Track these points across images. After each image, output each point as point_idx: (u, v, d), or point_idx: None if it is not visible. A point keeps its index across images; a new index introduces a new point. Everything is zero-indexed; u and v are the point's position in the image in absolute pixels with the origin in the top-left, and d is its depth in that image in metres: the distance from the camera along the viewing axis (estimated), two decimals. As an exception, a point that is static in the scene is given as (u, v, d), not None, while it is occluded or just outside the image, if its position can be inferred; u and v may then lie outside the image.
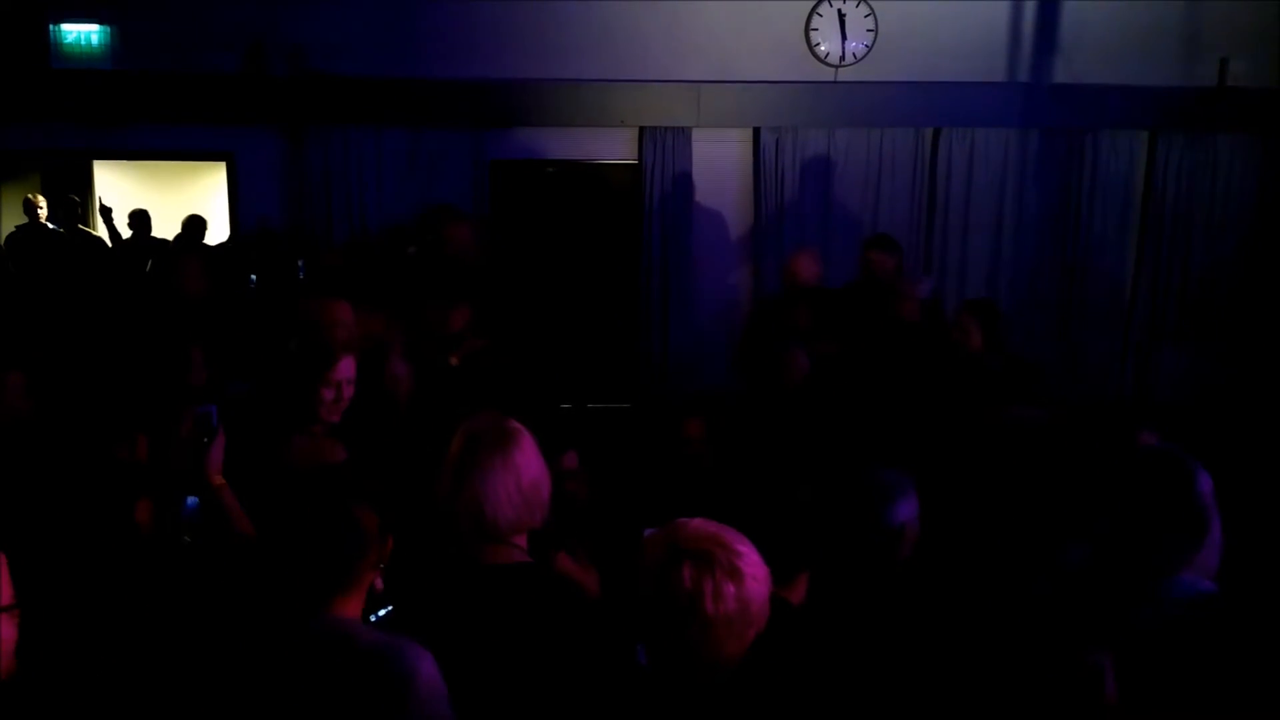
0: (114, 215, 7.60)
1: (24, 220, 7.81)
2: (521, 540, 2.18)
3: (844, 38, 6.97)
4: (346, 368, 2.92)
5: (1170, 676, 1.54)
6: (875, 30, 6.95)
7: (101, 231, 8.12)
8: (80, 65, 6.77)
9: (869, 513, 2.39)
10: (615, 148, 7.12)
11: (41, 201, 7.76)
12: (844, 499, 2.40)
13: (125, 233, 7.96)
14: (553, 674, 2.00)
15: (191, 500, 2.39)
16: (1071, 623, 2.10)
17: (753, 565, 1.63)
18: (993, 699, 1.96)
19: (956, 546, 2.97)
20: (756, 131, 7.09)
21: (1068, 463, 3.44)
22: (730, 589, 1.59)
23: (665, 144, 7.01)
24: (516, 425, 2.25)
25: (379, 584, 2.00)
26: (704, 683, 1.63)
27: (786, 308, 4.98)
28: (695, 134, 7.04)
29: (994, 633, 2.21)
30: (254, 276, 4.35)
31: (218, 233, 8.04)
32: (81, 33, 6.78)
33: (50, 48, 6.76)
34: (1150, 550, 2.16)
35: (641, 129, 7.02)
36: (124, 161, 8.91)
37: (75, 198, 7.60)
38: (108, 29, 6.80)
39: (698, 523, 1.69)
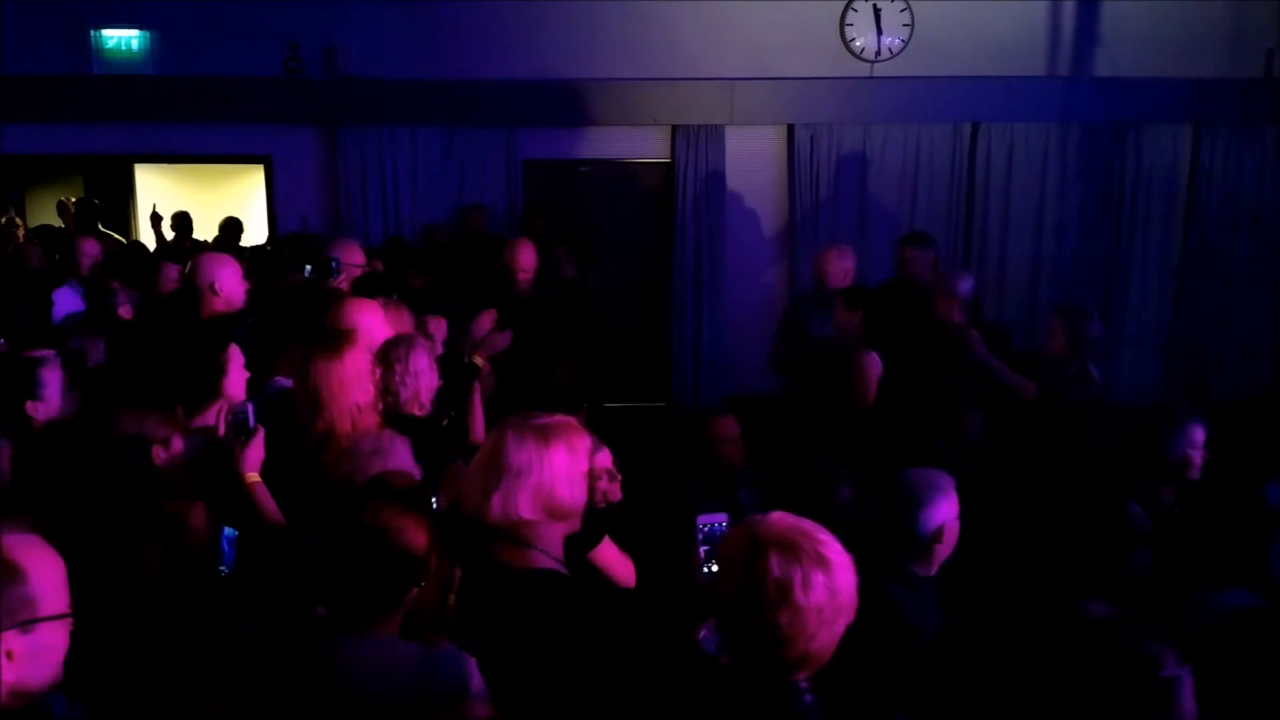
0: (140, 216, 7.68)
1: (56, 224, 7.88)
2: (548, 543, 2.13)
3: (880, 33, 6.90)
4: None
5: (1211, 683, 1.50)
6: (911, 25, 6.87)
7: (145, 235, 8.22)
8: (121, 70, 6.88)
9: (901, 517, 2.36)
10: (648, 146, 7.11)
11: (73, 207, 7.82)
12: (880, 502, 2.37)
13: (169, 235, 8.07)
14: (565, 680, 1.98)
15: (230, 532, 2.37)
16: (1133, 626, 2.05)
17: (838, 554, 1.62)
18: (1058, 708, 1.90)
19: (1010, 547, 2.93)
20: (791, 128, 7.04)
21: (1124, 461, 3.38)
22: (819, 577, 1.57)
23: (698, 142, 6.98)
24: (551, 426, 2.17)
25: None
26: (793, 680, 1.61)
27: (826, 307, 4.87)
28: (729, 131, 7.00)
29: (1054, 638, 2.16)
30: (309, 267, 4.39)
31: (256, 234, 8.13)
32: (122, 38, 6.89)
33: (92, 54, 6.88)
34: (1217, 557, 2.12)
35: (674, 127, 7.00)
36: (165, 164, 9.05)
37: (96, 201, 7.64)
38: (147, 34, 6.90)
39: (777, 515, 1.68)
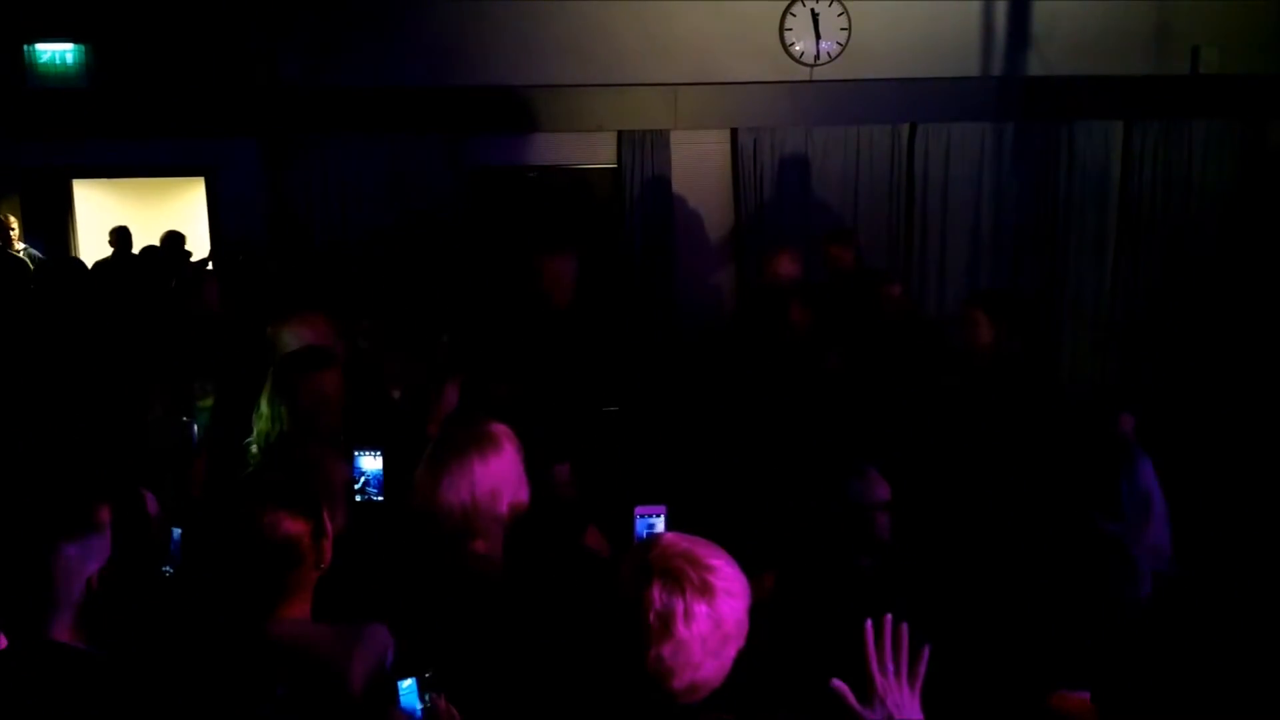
0: (79, 232, 7.48)
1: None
2: (482, 546, 2.17)
3: (818, 37, 7.00)
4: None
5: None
6: (848, 29, 6.99)
7: (85, 251, 8.06)
8: (56, 85, 6.77)
9: (826, 488, 2.42)
10: (595, 152, 7.14)
11: (14, 223, 7.65)
12: (809, 482, 2.44)
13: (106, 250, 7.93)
14: (498, 677, 2.02)
15: (176, 531, 2.39)
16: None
17: (727, 579, 1.59)
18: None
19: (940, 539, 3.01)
20: (734, 132, 7.12)
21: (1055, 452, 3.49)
22: (702, 608, 1.55)
23: (644, 147, 7.03)
24: (494, 431, 2.24)
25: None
26: (689, 703, 1.59)
27: (779, 306, 4.94)
28: (673, 136, 7.07)
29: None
30: None
31: (199, 247, 8.03)
32: (56, 52, 6.78)
33: (25, 68, 6.76)
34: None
35: (620, 132, 7.04)
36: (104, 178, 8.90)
37: (4, 218, 7.48)
38: (82, 48, 6.80)
39: (670, 538, 1.66)
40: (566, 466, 3.74)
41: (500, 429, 2.26)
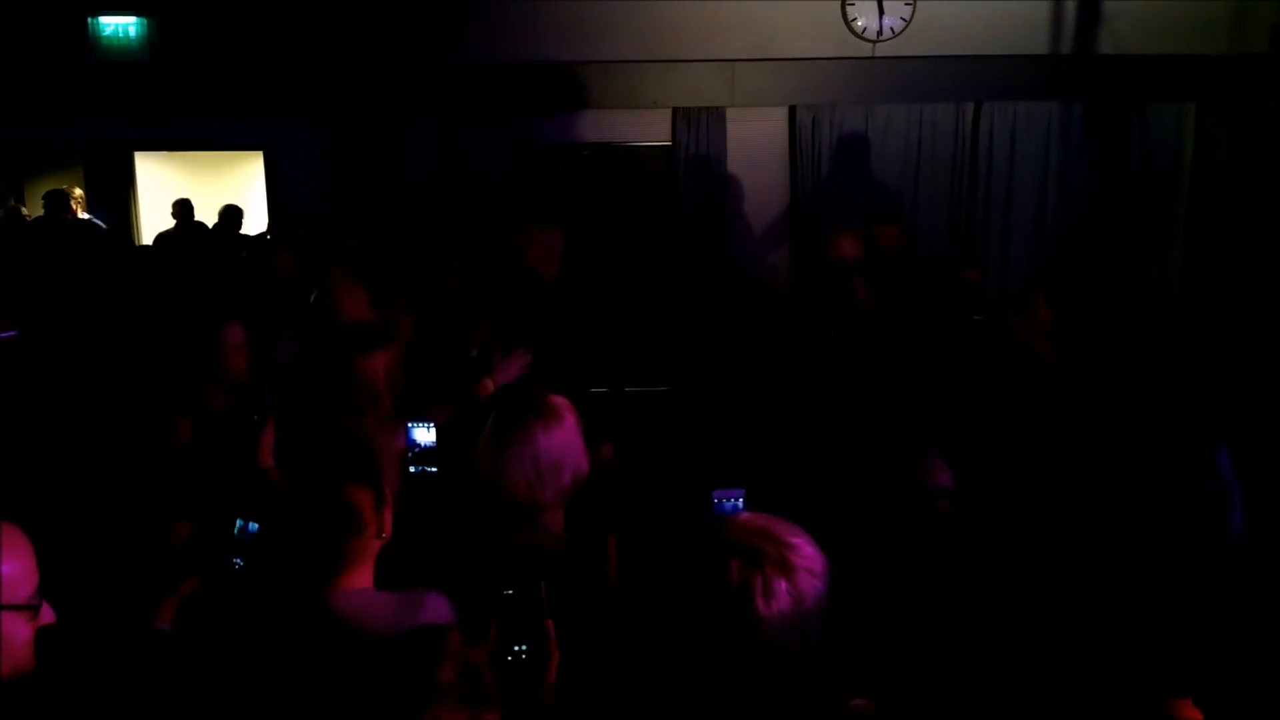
0: (140, 203, 7.58)
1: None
2: (547, 517, 2.15)
3: (881, 12, 6.85)
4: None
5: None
6: (913, 4, 6.82)
7: (147, 223, 8.20)
8: (119, 58, 6.84)
9: (889, 475, 2.38)
10: (650, 129, 7.06)
11: (78, 193, 7.76)
12: (873, 468, 2.40)
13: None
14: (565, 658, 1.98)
15: (253, 526, 2.39)
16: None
17: (806, 558, 1.54)
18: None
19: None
20: (792, 110, 7.00)
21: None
22: (782, 585, 1.49)
23: (699, 124, 6.94)
24: (554, 402, 2.24)
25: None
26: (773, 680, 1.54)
27: (843, 285, 4.88)
28: (730, 114, 6.96)
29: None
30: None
31: (257, 221, 8.12)
32: (119, 25, 6.85)
33: (89, 41, 6.84)
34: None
35: (675, 109, 6.95)
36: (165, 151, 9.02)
37: (66, 189, 7.58)
38: (145, 21, 6.86)
39: (746, 516, 1.63)
40: (610, 446, 3.69)
41: (559, 400, 2.26)
